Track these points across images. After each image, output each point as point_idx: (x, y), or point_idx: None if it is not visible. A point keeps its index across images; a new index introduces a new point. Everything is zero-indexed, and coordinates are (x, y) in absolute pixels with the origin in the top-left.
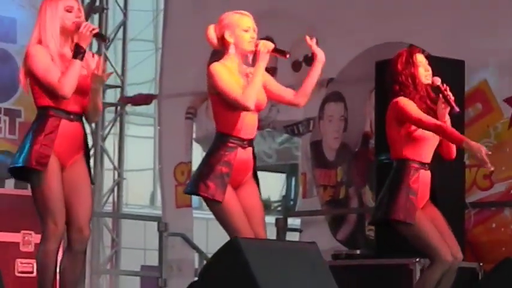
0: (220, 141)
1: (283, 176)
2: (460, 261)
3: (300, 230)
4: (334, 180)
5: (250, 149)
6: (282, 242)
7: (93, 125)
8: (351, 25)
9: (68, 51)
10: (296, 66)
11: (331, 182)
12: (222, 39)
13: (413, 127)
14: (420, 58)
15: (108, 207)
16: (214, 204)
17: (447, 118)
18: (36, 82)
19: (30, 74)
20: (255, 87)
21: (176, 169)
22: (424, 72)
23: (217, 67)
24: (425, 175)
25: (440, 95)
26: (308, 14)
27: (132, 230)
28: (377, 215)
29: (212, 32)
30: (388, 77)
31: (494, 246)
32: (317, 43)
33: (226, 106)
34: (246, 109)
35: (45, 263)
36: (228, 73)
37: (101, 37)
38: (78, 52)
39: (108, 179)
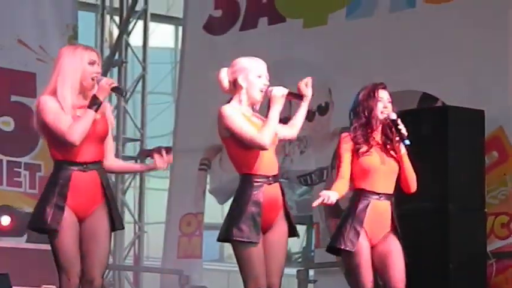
0: (245, 182)
1: (304, 227)
2: None
3: (314, 281)
4: None
5: (276, 184)
6: None
7: (113, 178)
8: (366, 74)
9: (81, 104)
10: (309, 116)
11: None
12: (234, 83)
13: (359, 158)
14: (382, 94)
15: (129, 261)
16: (247, 246)
17: (404, 152)
18: (49, 134)
19: (42, 126)
20: (271, 126)
21: (182, 220)
22: (382, 108)
23: (228, 109)
24: (380, 205)
25: (393, 129)
26: (323, 64)
27: (153, 283)
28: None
29: (224, 75)
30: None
31: None
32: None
33: (241, 147)
34: (263, 148)
35: None
36: (240, 114)
37: (118, 91)
38: (94, 103)
39: (128, 233)
